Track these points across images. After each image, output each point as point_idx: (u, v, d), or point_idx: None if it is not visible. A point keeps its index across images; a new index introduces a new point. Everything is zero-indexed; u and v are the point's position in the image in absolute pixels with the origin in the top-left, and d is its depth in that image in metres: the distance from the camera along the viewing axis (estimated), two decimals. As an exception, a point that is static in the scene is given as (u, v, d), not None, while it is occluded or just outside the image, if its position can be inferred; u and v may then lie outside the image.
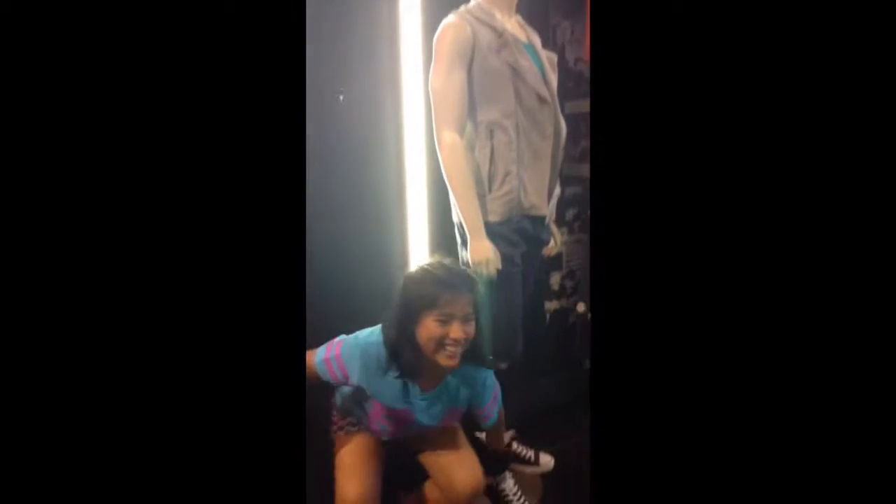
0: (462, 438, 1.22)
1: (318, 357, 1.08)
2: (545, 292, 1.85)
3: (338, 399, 1.21)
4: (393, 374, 1.03)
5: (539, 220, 1.36)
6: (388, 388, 1.06)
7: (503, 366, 1.32)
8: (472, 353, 1.02)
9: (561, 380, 1.89)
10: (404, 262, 1.52)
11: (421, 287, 0.98)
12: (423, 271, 1.02)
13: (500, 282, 1.27)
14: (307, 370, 1.08)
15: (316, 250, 1.42)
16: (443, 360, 0.97)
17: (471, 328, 0.99)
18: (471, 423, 1.27)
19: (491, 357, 1.14)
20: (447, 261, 1.05)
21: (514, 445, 1.58)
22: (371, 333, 1.08)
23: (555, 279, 1.87)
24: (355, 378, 1.07)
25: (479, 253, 1.24)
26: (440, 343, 0.96)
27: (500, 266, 1.26)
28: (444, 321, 0.96)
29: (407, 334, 0.99)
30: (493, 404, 1.18)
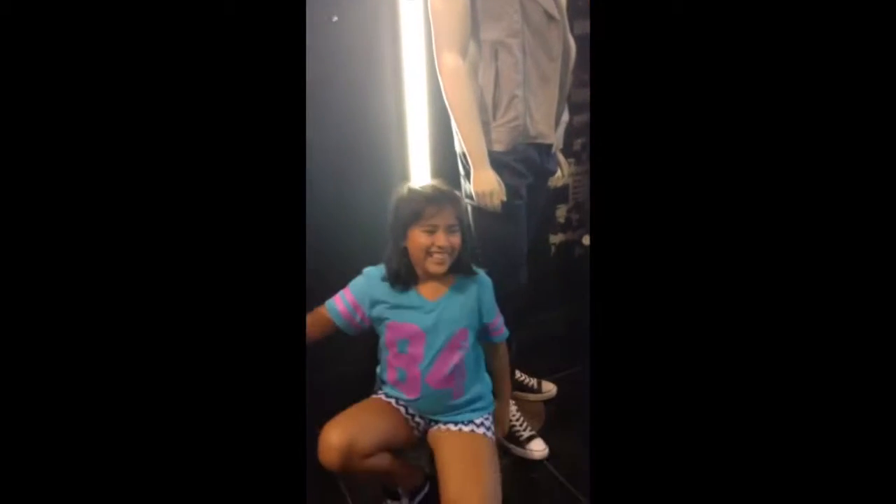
0: (486, 460, 1.08)
1: (330, 305, 1.15)
2: (551, 225, 1.82)
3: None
4: (395, 286, 1.12)
5: (545, 149, 1.31)
6: (394, 299, 1.13)
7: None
8: (458, 265, 1.12)
9: (565, 313, 1.90)
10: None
11: (409, 203, 1.09)
12: (411, 190, 1.12)
13: (505, 214, 1.24)
14: (322, 325, 1.14)
15: (315, 184, 1.39)
16: (431, 266, 1.08)
17: (455, 239, 1.08)
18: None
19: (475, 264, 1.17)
20: (435, 181, 1.15)
21: (517, 374, 1.61)
22: (374, 268, 1.16)
23: (560, 212, 1.83)
24: (366, 305, 1.14)
25: (483, 184, 1.20)
26: (427, 251, 1.07)
27: (504, 198, 1.22)
28: (430, 231, 1.06)
29: (399, 248, 1.10)
30: (500, 320, 1.21)
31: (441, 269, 1.09)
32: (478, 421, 1.17)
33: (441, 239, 1.06)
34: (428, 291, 1.14)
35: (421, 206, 1.07)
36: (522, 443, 1.41)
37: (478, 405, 1.19)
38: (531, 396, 1.63)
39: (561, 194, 1.79)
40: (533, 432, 1.43)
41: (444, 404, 1.15)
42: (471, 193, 1.24)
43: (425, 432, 1.19)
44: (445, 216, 1.07)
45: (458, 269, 1.13)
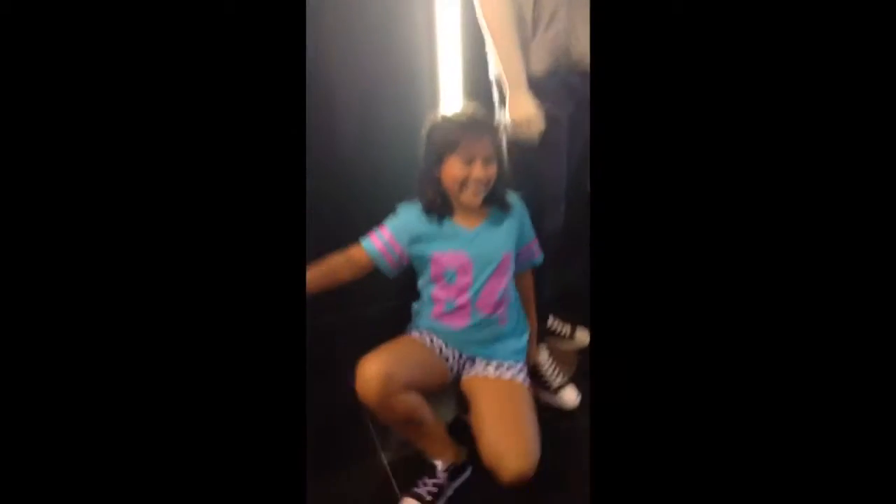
0: (525, 409, 1.04)
1: (366, 244, 1.10)
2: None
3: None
4: (431, 216, 1.07)
5: (587, 74, 1.16)
6: (434, 232, 1.08)
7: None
8: (493, 196, 1.06)
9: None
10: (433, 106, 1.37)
11: (444, 131, 1.02)
12: (446, 118, 1.05)
13: (542, 146, 1.12)
14: (358, 266, 1.09)
15: (340, 112, 1.29)
16: (467, 198, 1.03)
17: (492, 170, 1.03)
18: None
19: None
20: (470, 109, 1.07)
21: (550, 320, 1.53)
22: (407, 203, 1.12)
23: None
24: (405, 242, 1.08)
25: (521, 109, 1.08)
26: (463, 183, 1.02)
27: (542, 127, 1.10)
28: (467, 161, 1.00)
29: (433, 177, 1.04)
30: (536, 242, 1.19)
31: (477, 201, 1.04)
32: (517, 367, 1.13)
33: (478, 170, 1.00)
34: (465, 220, 1.09)
35: (458, 135, 1.00)
36: (554, 390, 1.34)
37: (519, 344, 1.17)
38: (563, 345, 1.55)
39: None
40: (565, 380, 1.36)
41: (493, 332, 1.13)
42: (506, 122, 1.12)
43: (458, 377, 1.14)
44: (483, 146, 1.01)
45: (493, 201, 1.08)
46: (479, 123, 1.03)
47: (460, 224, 1.09)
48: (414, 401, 1.00)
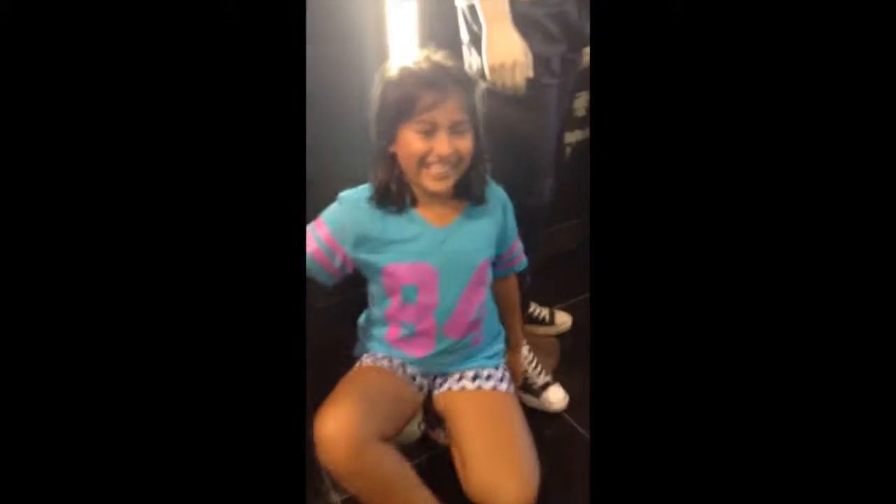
0: (516, 426, 0.83)
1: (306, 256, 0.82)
2: (567, 119, 1.45)
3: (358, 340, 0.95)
4: (386, 207, 0.80)
5: (584, 4, 0.92)
6: (388, 230, 0.80)
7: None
8: (468, 185, 0.80)
9: (570, 228, 1.58)
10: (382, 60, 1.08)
11: (397, 89, 0.74)
12: (401, 69, 0.76)
13: (529, 99, 0.88)
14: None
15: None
16: (429, 182, 0.76)
17: (464, 142, 0.75)
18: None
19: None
20: (436, 55, 0.78)
21: (532, 307, 1.33)
22: (352, 190, 0.84)
23: (580, 101, 1.45)
24: (349, 244, 0.81)
25: (502, 50, 0.83)
26: (422, 161, 0.75)
27: (531, 73, 0.85)
28: (427, 132, 0.74)
29: (385, 154, 0.78)
30: (519, 244, 0.94)
31: (441, 187, 0.77)
32: (498, 373, 0.91)
33: (442, 144, 0.73)
34: (432, 214, 0.82)
35: (412, 93, 0.73)
36: (537, 391, 1.15)
37: (496, 348, 0.95)
38: (541, 330, 1.36)
39: (583, 77, 1.41)
40: (548, 378, 1.17)
41: (465, 353, 0.90)
42: (481, 68, 0.86)
43: (429, 392, 0.92)
44: (449, 109, 0.73)
45: (469, 194, 0.82)
46: (444, 73, 0.74)
47: (425, 219, 0.82)
48: (391, 462, 0.75)
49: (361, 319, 0.94)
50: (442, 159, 0.74)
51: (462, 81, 0.76)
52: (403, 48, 1.13)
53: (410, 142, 0.74)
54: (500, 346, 0.97)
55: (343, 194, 0.83)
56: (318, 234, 0.81)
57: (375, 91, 0.77)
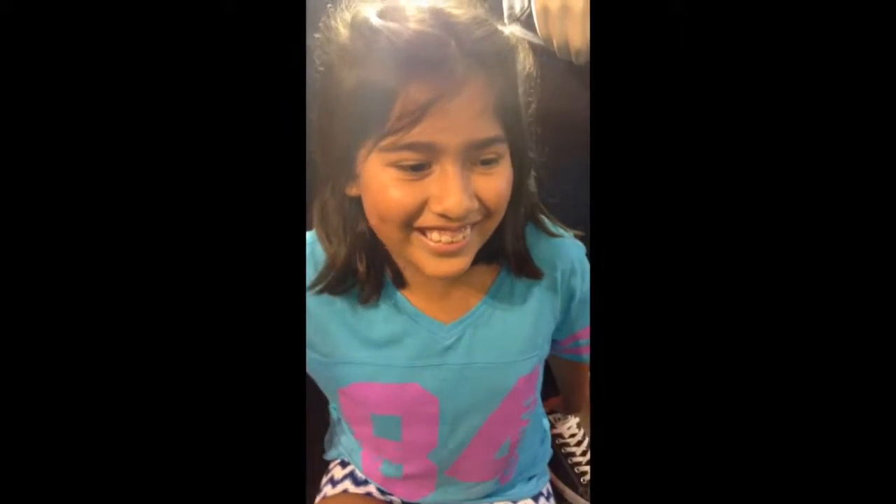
0: None
1: None
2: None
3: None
4: (348, 296, 0.47)
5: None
6: (362, 319, 0.47)
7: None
8: (501, 242, 0.46)
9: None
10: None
11: (356, 69, 0.39)
12: (366, 24, 0.39)
13: (583, 70, 0.59)
14: None
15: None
16: (425, 261, 0.42)
17: (495, 181, 0.41)
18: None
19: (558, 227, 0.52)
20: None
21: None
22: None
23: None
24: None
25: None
26: (408, 223, 0.41)
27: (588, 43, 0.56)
28: (419, 165, 0.39)
29: (338, 200, 0.45)
30: (587, 332, 0.56)
31: (448, 270, 0.42)
32: (543, 494, 0.64)
33: (451, 190, 0.39)
34: (431, 301, 0.48)
35: (387, 78, 0.38)
36: (586, 485, 0.83)
37: (536, 469, 0.64)
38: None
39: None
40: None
41: (483, 492, 0.59)
42: (527, 9, 0.55)
43: None
44: (463, 111, 0.38)
45: (506, 257, 0.48)
46: (449, 38, 0.38)
47: (419, 308, 0.48)
48: None
49: (327, 439, 0.63)
50: (451, 220, 0.40)
51: (491, 48, 0.39)
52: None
53: (385, 185, 0.39)
54: (541, 466, 0.65)
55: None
56: None
57: (315, 72, 0.42)
